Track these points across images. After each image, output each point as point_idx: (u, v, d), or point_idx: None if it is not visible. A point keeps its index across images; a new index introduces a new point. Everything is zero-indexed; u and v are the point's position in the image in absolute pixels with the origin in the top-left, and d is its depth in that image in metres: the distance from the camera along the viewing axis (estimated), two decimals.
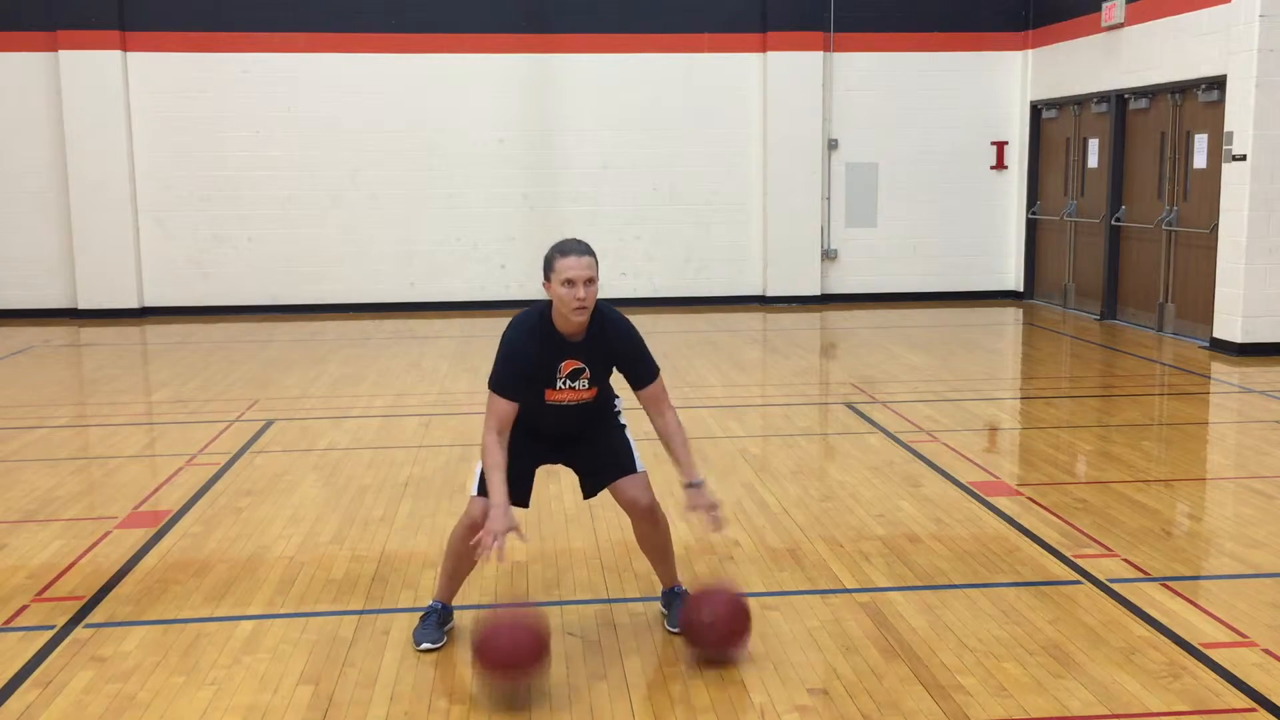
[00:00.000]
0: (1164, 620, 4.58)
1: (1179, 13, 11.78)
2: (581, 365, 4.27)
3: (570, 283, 4.11)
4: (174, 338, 12.94)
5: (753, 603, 4.82)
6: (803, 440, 7.91)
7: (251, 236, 14.61)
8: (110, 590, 5.04)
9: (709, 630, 4.20)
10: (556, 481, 6.33)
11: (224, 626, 4.64)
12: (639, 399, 4.41)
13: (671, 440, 4.37)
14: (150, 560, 5.44)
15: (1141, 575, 5.11)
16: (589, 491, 4.55)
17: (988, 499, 6.27)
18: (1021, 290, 15.46)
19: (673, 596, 4.60)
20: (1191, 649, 4.32)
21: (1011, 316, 14.32)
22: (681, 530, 5.73)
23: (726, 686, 4.07)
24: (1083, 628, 4.53)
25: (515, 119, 14.71)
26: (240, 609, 4.84)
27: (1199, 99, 11.63)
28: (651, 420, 4.43)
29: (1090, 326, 13.04)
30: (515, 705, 3.96)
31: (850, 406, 8.83)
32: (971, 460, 7.12)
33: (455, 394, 9.41)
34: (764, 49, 14.81)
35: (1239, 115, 10.57)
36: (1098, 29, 13.28)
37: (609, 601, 4.88)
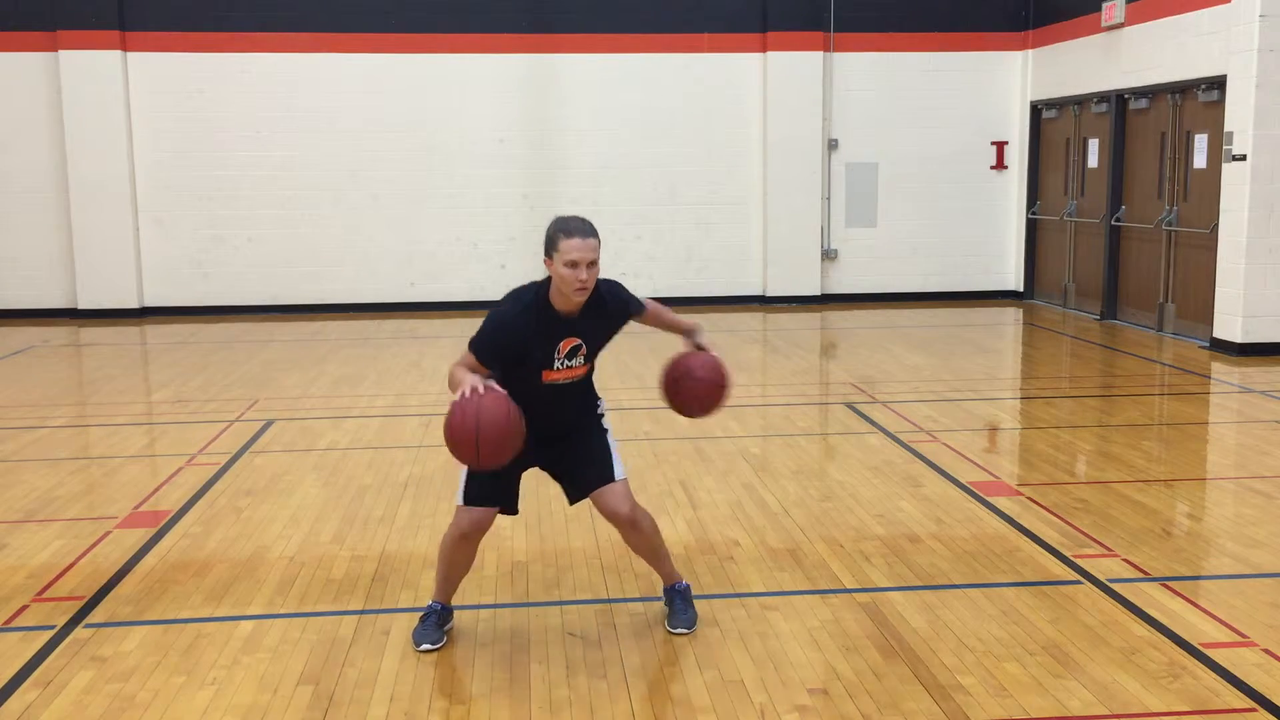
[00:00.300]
0: (1164, 620, 4.58)
1: (1179, 13, 11.78)
2: (579, 342, 4.27)
3: (573, 264, 4.09)
4: (174, 338, 12.94)
5: (753, 603, 4.84)
6: (803, 440, 7.91)
7: (251, 236, 14.61)
8: (110, 590, 5.04)
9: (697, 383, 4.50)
10: (556, 482, 6.32)
11: (224, 626, 4.64)
12: (643, 319, 4.57)
13: (662, 322, 4.65)
14: (150, 560, 5.44)
15: (1141, 575, 5.11)
16: (573, 498, 4.54)
17: (988, 499, 6.27)
18: (1021, 290, 15.46)
19: (674, 594, 4.60)
20: (1191, 649, 4.32)
21: (1011, 316, 14.32)
22: (681, 530, 5.74)
23: (726, 686, 4.07)
24: (1083, 628, 4.53)
25: (515, 119, 14.71)
26: (240, 609, 4.84)
27: (1199, 99, 11.63)
28: (658, 321, 4.65)
29: (1090, 326, 13.04)
30: (514, 702, 3.97)
31: (850, 406, 8.83)
32: (971, 460, 7.12)
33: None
34: (764, 49, 14.81)
35: (1239, 115, 10.57)
36: (1098, 29, 13.28)
37: (609, 601, 4.88)
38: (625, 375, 9.91)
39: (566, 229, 4.14)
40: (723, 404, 4.57)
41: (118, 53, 14.08)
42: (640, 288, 14.76)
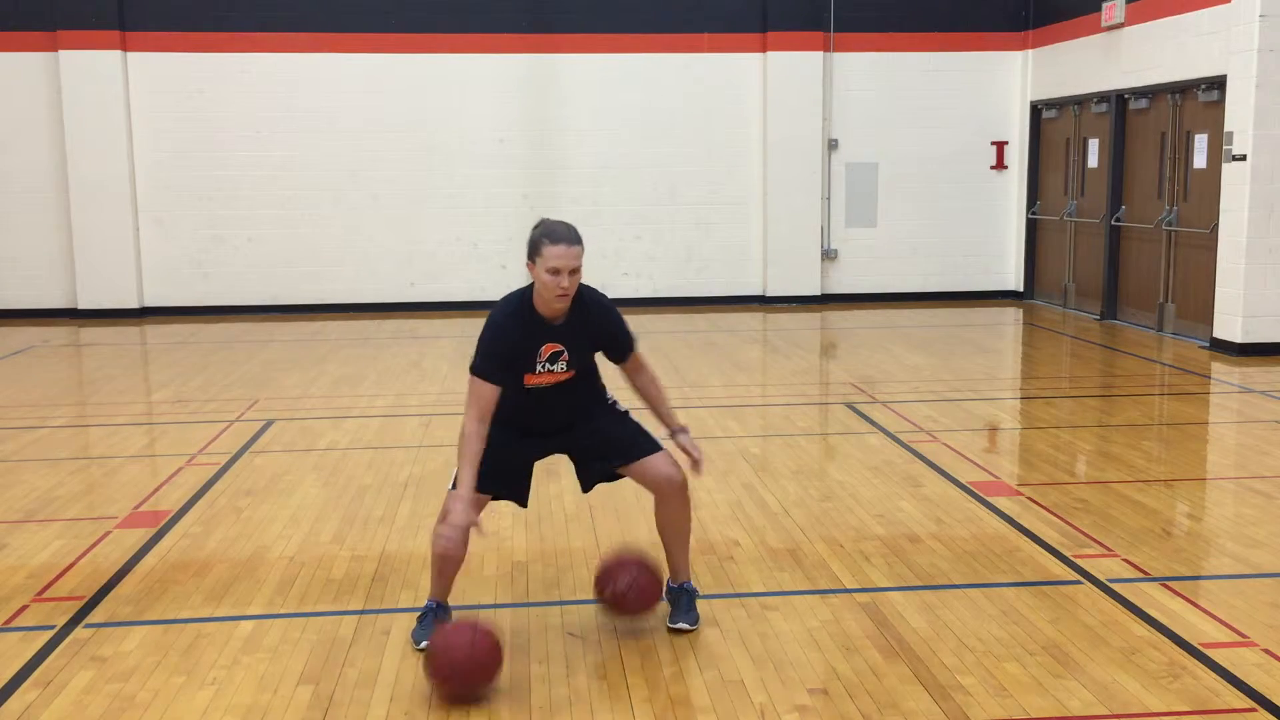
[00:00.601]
0: (1164, 620, 4.58)
1: (1179, 13, 11.78)
2: (561, 348, 4.27)
3: (555, 271, 4.12)
4: (174, 338, 12.94)
5: (753, 603, 4.84)
6: (803, 440, 7.91)
7: (251, 236, 14.61)
8: (110, 590, 5.04)
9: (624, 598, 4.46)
10: (556, 481, 6.33)
11: (224, 626, 4.64)
12: (621, 370, 4.51)
13: (649, 390, 4.52)
14: (150, 560, 5.44)
15: (1141, 575, 5.11)
16: (587, 483, 4.54)
17: (988, 499, 6.27)
18: (1021, 290, 15.46)
19: (680, 593, 4.59)
20: (1191, 649, 4.32)
21: (1011, 316, 14.32)
22: None
23: (726, 686, 4.07)
24: (1083, 628, 4.53)
25: (515, 119, 14.71)
26: (240, 609, 4.84)
27: (1199, 99, 11.63)
28: (630, 380, 4.54)
29: (1090, 326, 13.04)
30: (514, 702, 3.96)
31: (850, 406, 8.83)
32: (971, 460, 7.12)
33: (456, 394, 9.40)
34: (764, 49, 14.81)
35: (1239, 115, 10.57)
36: (1098, 29, 13.28)
37: None
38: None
39: (552, 235, 4.15)
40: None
41: (118, 53, 14.08)
42: (640, 288, 14.91)
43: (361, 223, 14.71)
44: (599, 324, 4.34)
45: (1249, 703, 3.90)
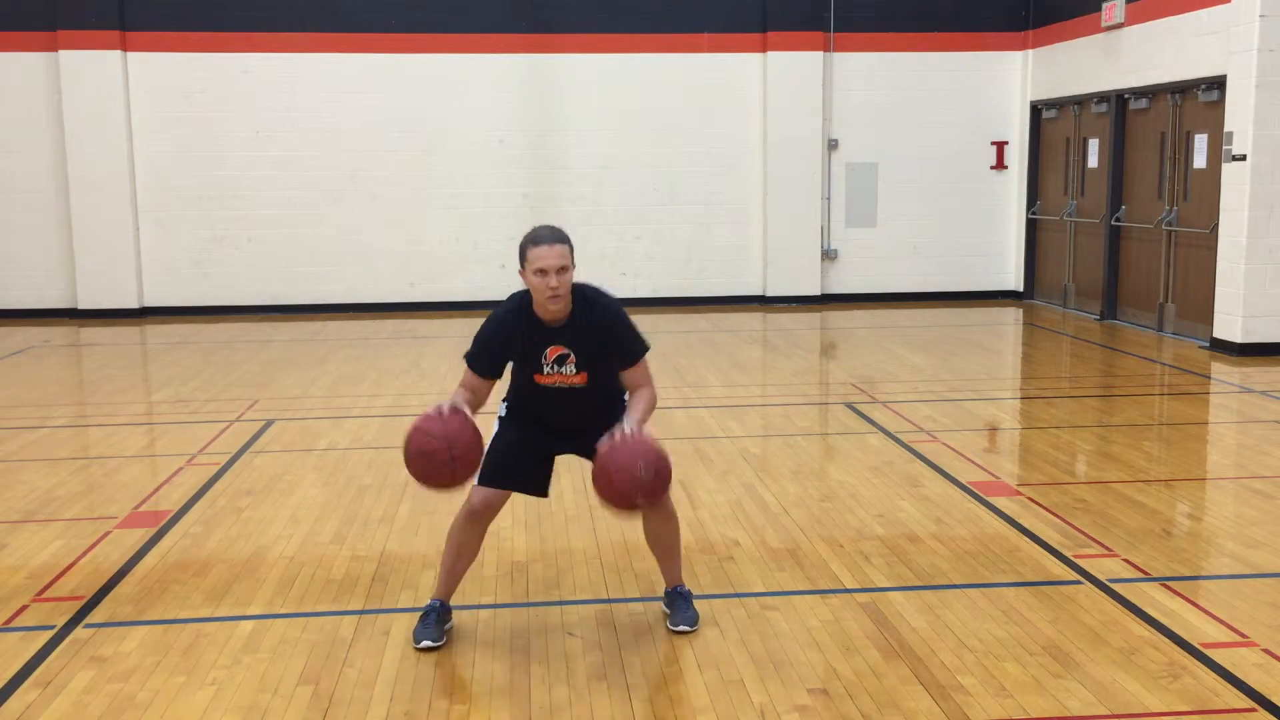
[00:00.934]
0: (1164, 620, 4.58)
1: (1179, 13, 11.78)
2: (566, 350, 4.27)
3: (542, 272, 4.15)
4: (174, 338, 12.93)
5: (753, 603, 4.84)
6: (803, 440, 7.91)
7: (251, 236, 14.61)
8: (110, 590, 5.04)
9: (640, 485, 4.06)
10: (556, 481, 6.29)
11: (224, 626, 4.64)
12: (621, 378, 4.41)
13: (635, 404, 4.34)
14: (150, 560, 5.44)
15: (1141, 575, 5.11)
16: None
17: (988, 499, 6.27)
18: (1021, 290, 15.46)
19: (675, 596, 4.61)
20: (1191, 649, 4.32)
21: (1011, 316, 14.32)
22: (682, 530, 5.72)
23: (726, 686, 4.07)
24: (1083, 628, 4.53)
25: (515, 119, 14.71)
26: (240, 609, 4.84)
27: (1199, 99, 11.63)
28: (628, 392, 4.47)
29: (1090, 326, 13.04)
30: (514, 702, 3.97)
31: (850, 406, 8.83)
32: (971, 460, 7.12)
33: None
34: (764, 49, 14.81)
35: (1239, 115, 10.57)
36: (1098, 29, 13.28)
37: (609, 601, 4.88)
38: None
39: (535, 238, 4.21)
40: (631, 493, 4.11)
41: (118, 53, 14.08)
42: (640, 288, 14.91)
43: (361, 223, 14.71)
44: (604, 326, 4.32)
45: (1249, 703, 3.90)
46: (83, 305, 14.37)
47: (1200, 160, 11.68)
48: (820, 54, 14.82)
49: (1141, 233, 12.83)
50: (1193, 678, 4.09)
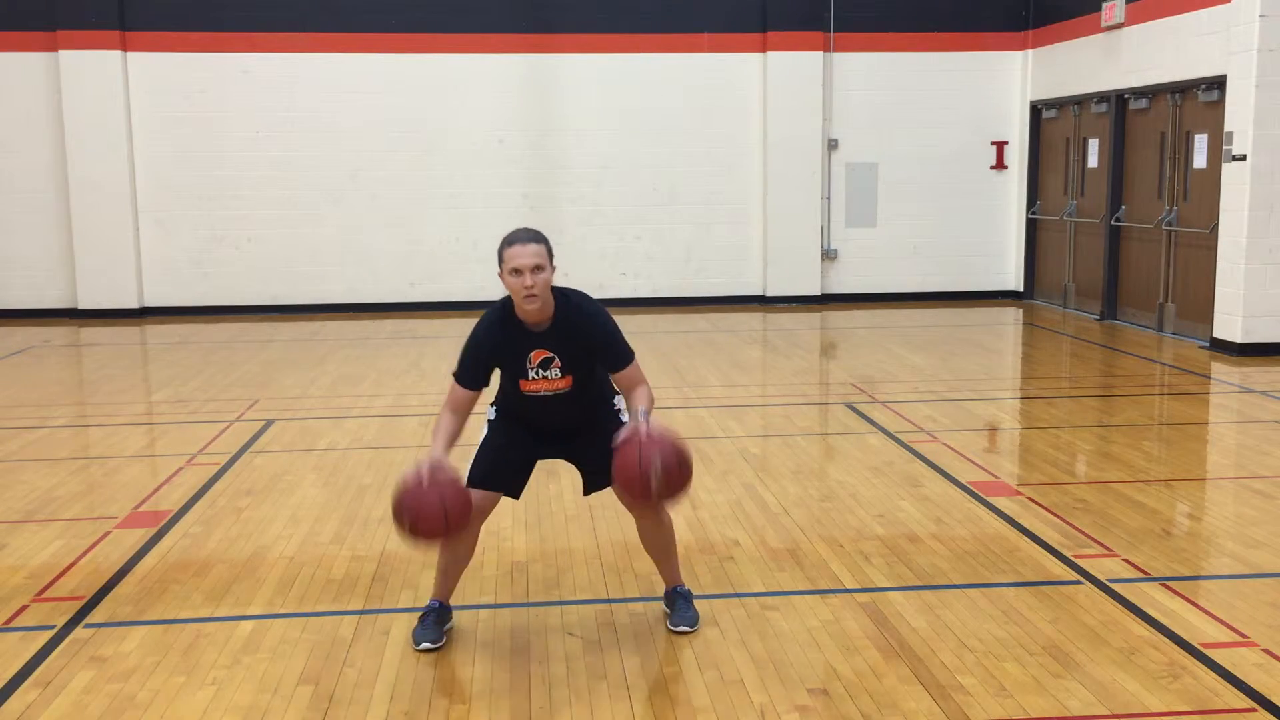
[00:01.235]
0: (1164, 620, 4.58)
1: (1179, 13, 11.78)
2: (550, 354, 4.27)
3: (517, 271, 4.15)
4: (174, 338, 12.94)
5: (753, 603, 4.84)
6: (803, 440, 7.91)
7: (251, 236, 14.61)
8: (110, 590, 5.04)
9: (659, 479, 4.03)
10: (556, 481, 6.33)
11: (224, 626, 4.65)
12: (614, 381, 4.43)
13: (634, 397, 4.29)
14: (150, 560, 5.44)
15: (1141, 575, 5.11)
16: (589, 488, 4.55)
17: (988, 499, 6.27)
18: (1021, 290, 15.46)
19: (675, 596, 4.61)
20: (1191, 649, 4.32)
21: (1011, 316, 14.32)
22: (681, 530, 5.73)
23: (726, 686, 4.07)
24: (1083, 628, 4.53)
25: (515, 119, 14.71)
26: (240, 609, 4.84)
27: (1199, 99, 11.63)
28: (625, 395, 4.43)
29: (1090, 326, 13.04)
30: (514, 702, 3.97)
31: (850, 406, 8.83)
32: (971, 460, 7.12)
33: None
34: (764, 49, 14.81)
35: (1239, 115, 10.57)
36: (1098, 29, 13.28)
37: (609, 601, 4.88)
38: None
39: (509, 239, 4.24)
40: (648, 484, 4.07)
41: (118, 53, 14.08)
42: (640, 288, 14.91)
43: (361, 223, 14.71)
44: (586, 331, 4.30)
45: (1249, 703, 3.90)
46: (83, 305, 14.37)
47: (1200, 160, 11.68)
48: (820, 54, 14.83)
49: (1141, 233, 12.83)
50: (1193, 678, 4.09)
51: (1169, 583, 5.01)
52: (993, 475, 6.80)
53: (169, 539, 5.75)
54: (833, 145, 15.11)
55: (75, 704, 3.98)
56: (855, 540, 5.62)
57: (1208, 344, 11.19)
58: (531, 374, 4.30)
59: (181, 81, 14.28)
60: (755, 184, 15.07)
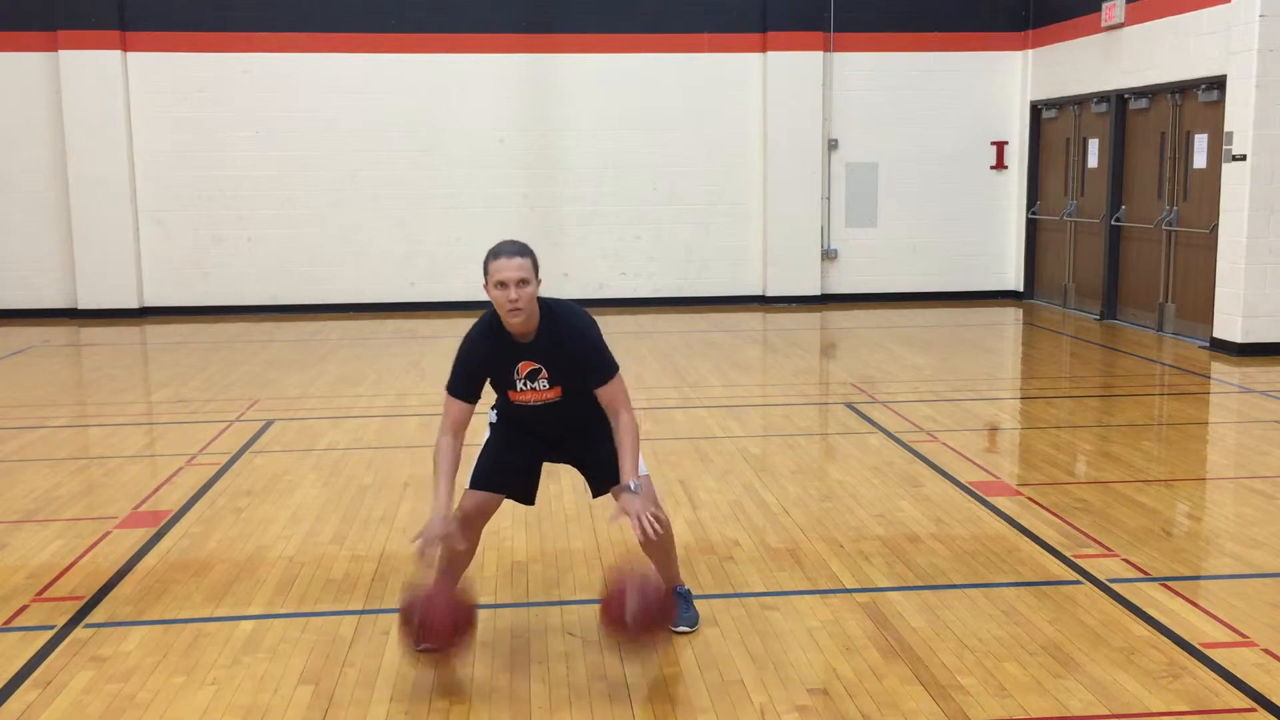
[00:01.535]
0: (1164, 620, 4.58)
1: (1179, 13, 11.78)
2: (538, 366, 4.27)
3: (502, 285, 4.16)
4: (174, 338, 12.94)
5: (753, 603, 4.84)
6: (803, 440, 7.91)
7: (251, 236, 14.61)
8: (110, 590, 5.04)
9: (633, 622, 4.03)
10: (556, 481, 6.33)
11: (224, 626, 4.64)
12: (597, 397, 4.31)
13: (620, 441, 4.24)
14: (150, 560, 5.44)
15: (1141, 575, 5.11)
16: (597, 491, 4.54)
17: (988, 499, 6.27)
18: (1021, 290, 15.46)
19: (676, 596, 4.60)
20: (1191, 649, 4.32)
21: (1011, 316, 14.32)
22: (681, 530, 5.73)
23: (726, 686, 4.07)
24: (1083, 628, 4.53)
25: (515, 119, 14.71)
26: (240, 609, 4.84)
27: (1199, 99, 11.63)
28: (612, 425, 4.32)
29: (1090, 326, 13.04)
30: (514, 702, 3.97)
31: (850, 406, 8.83)
32: (971, 460, 7.12)
33: None
34: (764, 49, 14.81)
35: (1239, 115, 10.57)
36: (1098, 29, 13.28)
37: None
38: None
39: (495, 251, 4.24)
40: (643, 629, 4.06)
41: (118, 53, 14.08)
42: (640, 288, 14.91)
43: (361, 223, 14.71)
44: (572, 343, 4.26)
45: (1249, 703, 3.90)
46: (83, 305, 14.37)
47: (1200, 160, 11.68)
48: (820, 54, 14.82)
49: (1141, 233, 12.83)
50: (1193, 678, 4.09)
51: (1169, 583, 5.01)
52: (993, 475, 6.80)
53: (169, 539, 5.75)
54: (833, 145, 15.11)
55: (75, 704, 3.98)
56: (855, 540, 5.62)
57: (1208, 344, 11.19)
58: (520, 385, 4.29)
59: (181, 81, 14.28)
60: (755, 184, 15.07)
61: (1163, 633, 4.47)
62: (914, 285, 15.39)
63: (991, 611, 4.70)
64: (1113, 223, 13.25)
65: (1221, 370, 10.15)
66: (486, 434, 4.53)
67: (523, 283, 4.15)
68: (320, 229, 14.67)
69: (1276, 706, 3.87)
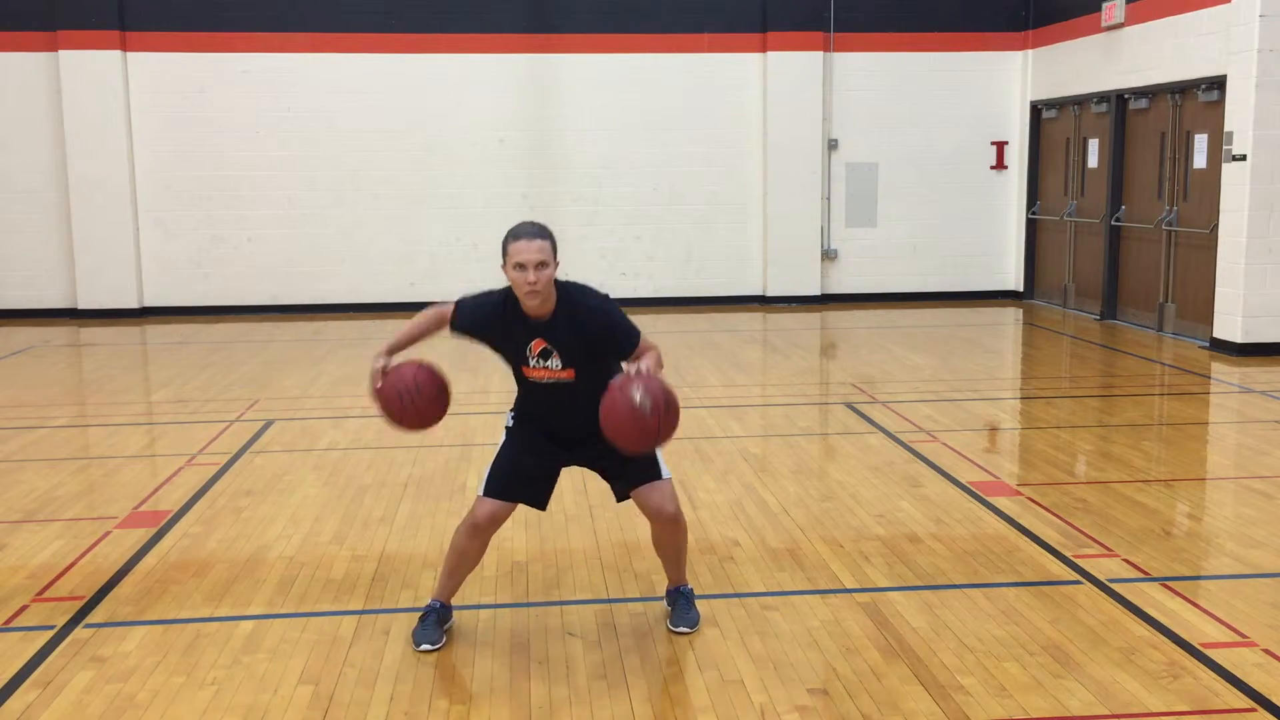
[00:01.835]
0: (1164, 620, 4.58)
1: (1179, 13, 11.78)
2: (549, 345, 4.26)
3: (521, 266, 4.14)
4: (174, 338, 12.94)
5: (753, 603, 4.84)
6: (803, 440, 7.91)
7: (251, 236, 14.61)
8: (110, 590, 5.04)
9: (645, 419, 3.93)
10: (556, 482, 6.31)
11: (224, 626, 4.65)
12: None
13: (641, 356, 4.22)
14: (150, 560, 5.44)
15: (1141, 575, 5.11)
16: (621, 495, 4.51)
17: (988, 499, 6.27)
18: (1021, 290, 15.45)
19: (678, 596, 4.60)
20: (1191, 649, 4.32)
21: (1011, 316, 14.32)
22: None
23: (726, 686, 4.07)
24: (1083, 628, 4.53)
25: (515, 119, 14.71)
26: (240, 609, 4.84)
27: (1199, 99, 11.63)
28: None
29: (1090, 326, 13.04)
30: (514, 702, 3.97)
31: (850, 406, 8.83)
32: (971, 460, 7.12)
33: (455, 394, 9.37)
34: (764, 49, 14.81)
35: (1239, 115, 10.57)
36: (1098, 29, 13.28)
37: (609, 601, 4.88)
38: None
39: (515, 233, 4.22)
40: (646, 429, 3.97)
41: (118, 53, 14.08)
42: (640, 288, 14.91)
43: (361, 223, 14.71)
44: (590, 328, 4.24)
45: (1249, 703, 3.90)
46: (83, 305, 14.37)
47: (1200, 160, 11.68)
48: (820, 54, 14.82)
49: (1141, 233, 12.83)
50: (1193, 678, 4.09)
51: (1169, 583, 5.01)
52: (993, 475, 6.80)
53: (169, 539, 5.75)
54: (833, 145, 15.11)
55: (75, 704, 3.98)
56: (855, 540, 5.62)
57: (1208, 344, 11.19)
58: (533, 362, 4.30)
59: (181, 81, 14.28)
60: (755, 184, 15.07)
61: (1163, 633, 4.47)
62: (914, 285, 15.39)
63: (991, 611, 4.70)
64: (1113, 223, 13.24)
65: (1221, 370, 10.15)
66: (502, 438, 4.52)
67: (541, 265, 4.14)
68: (320, 229, 14.67)
69: (1276, 706, 3.87)
